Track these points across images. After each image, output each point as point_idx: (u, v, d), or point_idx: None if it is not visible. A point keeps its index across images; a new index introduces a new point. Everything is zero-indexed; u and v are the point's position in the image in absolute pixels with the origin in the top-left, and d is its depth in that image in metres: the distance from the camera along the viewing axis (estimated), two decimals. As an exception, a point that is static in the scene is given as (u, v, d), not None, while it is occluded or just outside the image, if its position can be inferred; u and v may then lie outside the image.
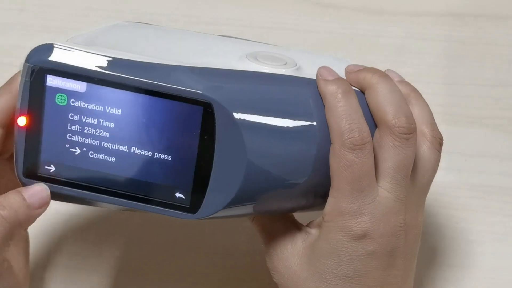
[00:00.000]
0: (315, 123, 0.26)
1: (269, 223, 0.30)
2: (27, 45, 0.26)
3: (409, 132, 0.27)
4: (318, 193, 0.28)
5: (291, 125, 0.25)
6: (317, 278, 0.28)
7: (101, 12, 0.49)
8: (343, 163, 0.26)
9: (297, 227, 0.30)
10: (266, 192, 0.26)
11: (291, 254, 0.29)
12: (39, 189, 0.27)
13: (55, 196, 0.27)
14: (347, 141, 0.26)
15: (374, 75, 0.28)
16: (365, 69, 0.29)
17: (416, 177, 0.29)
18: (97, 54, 0.24)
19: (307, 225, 0.30)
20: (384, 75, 0.28)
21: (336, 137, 0.26)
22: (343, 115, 0.26)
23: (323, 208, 0.28)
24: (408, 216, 0.28)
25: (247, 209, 0.27)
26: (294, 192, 0.27)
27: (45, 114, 0.25)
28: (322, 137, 0.26)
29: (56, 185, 0.26)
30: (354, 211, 0.26)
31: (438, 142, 0.29)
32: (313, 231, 0.29)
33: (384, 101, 0.27)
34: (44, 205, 0.27)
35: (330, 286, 0.27)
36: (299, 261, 0.29)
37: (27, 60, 0.25)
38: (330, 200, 0.27)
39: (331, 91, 0.26)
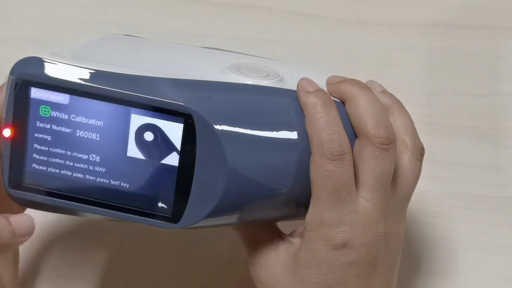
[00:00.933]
0: (295, 134, 0.26)
1: (252, 232, 0.31)
2: (14, 56, 0.26)
3: (388, 143, 0.27)
4: (301, 202, 0.28)
5: (272, 136, 0.26)
6: (299, 287, 0.28)
7: (88, 24, 0.49)
8: (323, 173, 0.26)
9: (280, 236, 0.30)
10: (248, 202, 0.26)
11: (274, 263, 0.29)
12: (26, 219, 0.27)
13: (41, 206, 0.27)
14: (327, 152, 0.26)
15: (354, 86, 0.28)
16: (346, 80, 0.29)
17: (397, 186, 0.29)
18: (80, 67, 0.25)
19: (290, 235, 0.30)
20: (365, 86, 0.29)
21: (316, 147, 0.26)
22: (323, 126, 0.26)
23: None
24: (388, 225, 0.28)
25: (229, 218, 0.27)
26: (276, 201, 0.27)
27: (29, 125, 0.25)
28: (303, 147, 0.26)
29: (41, 196, 0.26)
30: (334, 220, 0.27)
31: (419, 152, 0.30)
32: (296, 241, 0.29)
33: (363, 112, 0.27)
34: (27, 235, 0.27)
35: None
36: (281, 270, 0.29)
37: (12, 73, 0.25)
38: (310, 210, 0.27)
39: (311, 102, 0.27)
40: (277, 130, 0.26)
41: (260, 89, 0.27)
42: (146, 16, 0.50)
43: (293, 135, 0.26)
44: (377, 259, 0.28)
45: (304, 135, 0.27)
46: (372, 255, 0.28)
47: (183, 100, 0.24)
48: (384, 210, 0.28)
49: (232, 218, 0.27)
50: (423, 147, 0.31)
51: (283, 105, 0.27)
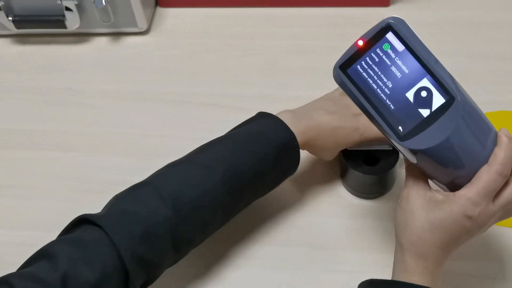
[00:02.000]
0: (490, 144, 0.42)
1: (419, 173, 0.45)
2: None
3: None
4: (459, 181, 0.43)
5: (481, 136, 0.42)
6: (425, 221, 0.43)
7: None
8: (492, 178, 0.42)
9: (430, 188, 0.45)
10: (449, 156, 0.40)
11: (418, 197, 0.44)
12: None
13: (347, 90, 0.42)
14: (502, 169, 0.42)
15: None
16: None
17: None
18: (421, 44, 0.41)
19: (436, 192, 0.45)
20: None
21: (497, 163, 0.42)
22: (508, 155, 0.42)
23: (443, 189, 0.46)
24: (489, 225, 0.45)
25: (429, 159, 0.41)
26: (453, 168, 0.42)
27: (373, 47, 0.40)
28: (487, 155, 0.42)
29: (350, 83, 0.41)
30: (476, 202, 0.42)
31: None
32: (439, 196, 0.44)
33: None
34: None
35: (427, 233, 0.43)
36: (420, 204, 0.44)
37: (388, 20, 0.41)
38: (466, 189, 0.43)
39: (506, 141, 0.43)
40: (481, 145, 0.42)
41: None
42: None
43: (489, 144, 0.42)
44: (473, 234, 0.45)
45: (491, 150, 0.42)
46: (473, 231, 0.44)
47: (456, 91, 0.40)
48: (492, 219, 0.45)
49: (419, 160, 0.41)
50: None
51: (491, 127, 0.43)
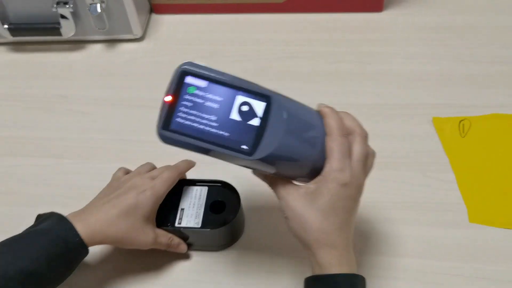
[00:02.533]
0: (320, 124, 0.45)
1: (280, 180, 0.46)
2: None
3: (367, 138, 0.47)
4: (315, 169, 0.45)
5: (310, 122, 0.44)
6: (315, 212, 0.45)
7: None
8: (337, 141, 0.44)
9: (298, 185, 0.47)
10: (290, 154, 0.43)
11: (297, 197, 0.46)
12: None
13: (175, 142, 0.42)
14: (341, 130, 0.45)
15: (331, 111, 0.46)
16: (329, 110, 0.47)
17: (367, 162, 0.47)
18: (215, 69, 0.43)
19: (306, 184, 0.46)
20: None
21: (334, 128, 0.45)
22: (336, 118, 0.46)
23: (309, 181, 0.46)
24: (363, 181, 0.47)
25: (272, 165, 0.43)
26: (303, 162, 0.44)
27: (180, 96, 0.42)
28: (322, 134, 0.45)
29: (178, 135, 0.42)
30: (342, 169, 0.44)
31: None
32: (312, 185, 0.46)
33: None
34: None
35: (324, 222, 0.45)
36: (302, 202, 0.45)
37: (179, 67, 0.42)
38: (326, 165, 0.45)
39: (328, 110, 0.46)
40: (313, 121, 0.45)
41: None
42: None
43: (319, 121, 0.45)
44: (357, 199, 0.47)
45: (322, 124, 0.45)
46: (356, 196, 0.46)
47: (268, 91, 0.43)
48: (364, 173, 0.47)
49: (275, 166, 0.43)
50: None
51: (311, 108, 0.46)
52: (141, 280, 0.59)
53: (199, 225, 0.57)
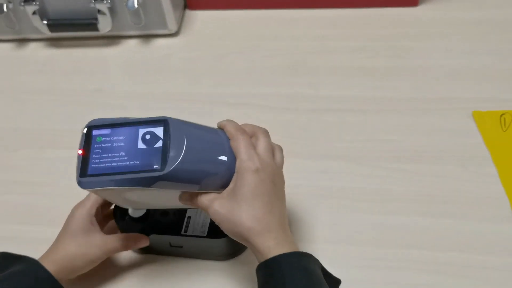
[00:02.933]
0: (221, 132, 0.50)
1: (196, 194, 0.48)
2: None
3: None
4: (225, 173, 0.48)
5: (209, 136, 0.49)
6: (239, 204, 0.47)
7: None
8: (241, 139, 0.48)
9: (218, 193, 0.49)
10: (194, 168, 0.47)
11: (223, 202, 0.48)
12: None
13: (96, 184, 0.46)
14: (239, 130, 0.49)
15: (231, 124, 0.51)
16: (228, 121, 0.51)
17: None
18: (113, 118, 0.49)
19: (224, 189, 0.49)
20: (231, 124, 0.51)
21: (234, 130, 0.49)
22: (232, 124, 0.50)
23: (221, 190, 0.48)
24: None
25: (182, 184, 0.47)
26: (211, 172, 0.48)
27: (91, 147, 0.48)
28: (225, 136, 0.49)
29: (97, 177, 0.46)
30: (249, 158, 0.47)
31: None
32: (230, 185, 0.48)
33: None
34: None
35: (251, 211, 0.46)
36: (226, 200, 0.47)
37: (86, 125, 0.49)
38: (237, 161, 0.48)
39: (224, 121, 0.51)
40: (214, 133, 0.50)
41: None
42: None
43: (222, 136, 0.50)
44: (276, 182, 0.49)
45: (222, 132, 0.50)
46: (273, 179, 0.48)
47: (163, 117, 0.48)
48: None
49: (192, 181, 0.47)
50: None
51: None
52: None
53: (205, 234, 0.57)
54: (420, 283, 0.56)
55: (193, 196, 0.49)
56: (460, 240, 0.59)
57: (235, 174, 0.48)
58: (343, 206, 0.63)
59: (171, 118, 0.48)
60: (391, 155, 0.67)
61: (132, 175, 0.45)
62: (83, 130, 0.49)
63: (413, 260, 0.57)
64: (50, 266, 0.52)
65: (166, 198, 0.51)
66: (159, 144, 0.46)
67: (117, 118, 0.49)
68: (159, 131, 0.47)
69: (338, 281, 0.49)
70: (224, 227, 0.48)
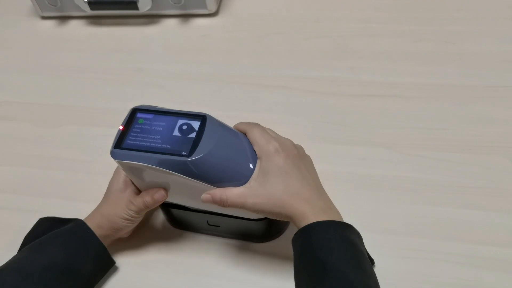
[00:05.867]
0: (244, 139, 0.53)
1: (226, 189, 0.50)
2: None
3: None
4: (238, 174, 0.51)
5: (234, 138, 0.53)
6: (273, 184, 0.49)
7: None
8: (256, 129, 0.52)
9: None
10: (220, 161, 0.50)
11: (249, 190, 0.49)
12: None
13: (128, 157, 0.50)
14: (259, 125, 0.53)
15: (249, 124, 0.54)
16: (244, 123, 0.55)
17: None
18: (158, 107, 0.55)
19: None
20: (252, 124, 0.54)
21: (249, 125, 0.53)
22: (248, 122, 0.54)
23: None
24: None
25: (209, 172, 0.50)
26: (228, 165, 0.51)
27: (132, 126, 0.52)
28: (248, 150, 0.52)
29: (130, 151, 0.50)
30: (268, 141, 0.51)
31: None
32: (255, 174, 0.50)
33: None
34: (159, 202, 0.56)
35: (281, 181, 0.49)
36: (255, 189, 0.49)
37: (133, 108, 0.54)
38: (256, 149, 0.51)
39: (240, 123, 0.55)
40: (238, 134, 0.53)
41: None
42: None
43: (243, 137, 0.53)
44: (302, 156, 0.52)
45: (242, 135, 0.53)
46: (298, 153, 0.52)
47: (203, 113, 0.52)
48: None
49: (217, 172, 0.50)
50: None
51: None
52: (184, 271, 0.60)
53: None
54: (460, 277, 0.54)
55: (221, 197, 0.50)
56: (505, 234, 0.57)
57: (257, 161, 0.51)
58: (383, 195, 0.61)
59: (210, 116, 0.52)
60: (435, 144, 0.65)
61: (160, 155, 0.49)
62: (130, 110, 0.53)
63: (454, 253, 0.56)
64: (91, 225, 0.56)
65: (189, 192, 0.52)
66: (193, 135, 0.50)
67: (162, 108, 0.53)
68: (196, 124, 0.51)
69: (372, 261, 0.49)
70: (266, 212, 0.49)
